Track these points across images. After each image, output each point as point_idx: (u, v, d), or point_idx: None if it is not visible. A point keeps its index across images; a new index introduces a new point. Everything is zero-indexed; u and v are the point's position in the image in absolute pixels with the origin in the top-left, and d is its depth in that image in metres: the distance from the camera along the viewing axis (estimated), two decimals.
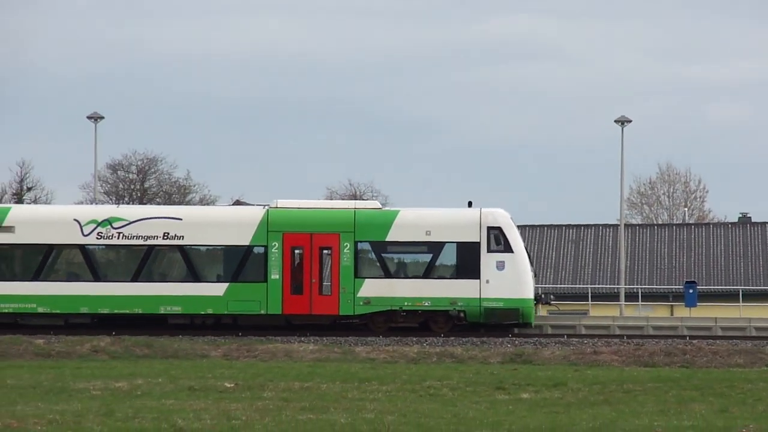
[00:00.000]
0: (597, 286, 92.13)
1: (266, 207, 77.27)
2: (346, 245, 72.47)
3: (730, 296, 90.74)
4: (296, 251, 72.59)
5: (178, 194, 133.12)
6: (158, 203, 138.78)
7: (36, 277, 72.28)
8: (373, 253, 73.13)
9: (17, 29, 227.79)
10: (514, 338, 67.25)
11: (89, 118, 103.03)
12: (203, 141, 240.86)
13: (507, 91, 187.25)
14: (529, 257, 76.99)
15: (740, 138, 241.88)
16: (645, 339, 65.45)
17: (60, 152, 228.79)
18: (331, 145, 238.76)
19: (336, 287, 71.97)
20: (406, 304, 71.33)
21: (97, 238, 73.16)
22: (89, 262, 73.05)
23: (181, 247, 73.75)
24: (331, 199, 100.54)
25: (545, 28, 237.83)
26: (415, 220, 75.62)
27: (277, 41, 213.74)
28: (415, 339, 68.09)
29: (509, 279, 71.77)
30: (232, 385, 42.92)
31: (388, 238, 73.23)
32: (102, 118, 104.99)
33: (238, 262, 72.96)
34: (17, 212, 77.63)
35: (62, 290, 72.09)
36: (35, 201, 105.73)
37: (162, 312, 71.41)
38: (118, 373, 47.54)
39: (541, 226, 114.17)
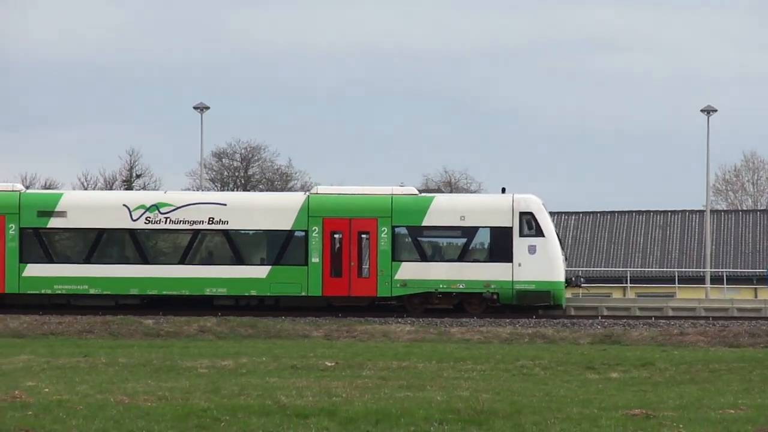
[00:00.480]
0: (683, 269, 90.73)
1: (307, 193, 77.90)
2: (384, 230, 72.72)
3: None
4: (335, 236, 72.63)
5: (280, 181, 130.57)
6: (261, 190, 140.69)
7: (88, 259, 72.46)
8: (409, 238, 73.24)
9: (125, 20, 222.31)
10: (603, 320, 67.33)
11: (195, 108, 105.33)
12: (305, 129, 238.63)
13: (596, 80, 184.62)
14: (560, 241, 77.12)
15: None
16: (730, 320, 65.36)
17: (167, 141, 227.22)
18: (427, 133, 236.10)
19: (374, 270, 72.16)
20: (441, 286, 71.73)
21: (146, 223, 73.58)
22: (138, 245, 73.36)
23: (225, 232, 73.93)
24: (427, 187, 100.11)
25: (635, 19, 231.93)
26: (449, 206, 76.37)
27: (376, 31, 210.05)
28: (507, 320, 68.32)
29: (541, 262, 71.95)
30: (333, 363, 43.47)
31: (424, 223, 73.42)
32: (207, 108, 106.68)
33: (280, 246, 73.25)
34: (69, 198, 77.82)
35: (113, 272, 72.19)
36: (143, 188, 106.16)
37: (207, 293, 71.68)
38: (224, 352, 48.39)
39: (630, 212, 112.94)
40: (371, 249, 72.65)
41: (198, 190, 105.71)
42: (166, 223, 74.17)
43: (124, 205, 75.93)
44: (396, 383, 37.62)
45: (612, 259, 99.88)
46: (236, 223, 74.86)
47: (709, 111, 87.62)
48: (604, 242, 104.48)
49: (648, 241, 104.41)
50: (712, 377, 40.37)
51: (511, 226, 72.77)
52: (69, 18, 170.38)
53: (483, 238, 73.31)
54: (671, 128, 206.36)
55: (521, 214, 73.40)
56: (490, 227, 73.24)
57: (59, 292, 70.80)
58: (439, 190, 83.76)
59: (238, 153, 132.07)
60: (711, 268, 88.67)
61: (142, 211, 74.61)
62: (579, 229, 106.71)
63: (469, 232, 73.88)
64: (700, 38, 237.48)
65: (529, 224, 72.28)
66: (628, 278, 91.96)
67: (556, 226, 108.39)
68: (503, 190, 75.89)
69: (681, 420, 29.21)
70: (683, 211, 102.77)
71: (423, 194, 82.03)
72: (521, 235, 72.82)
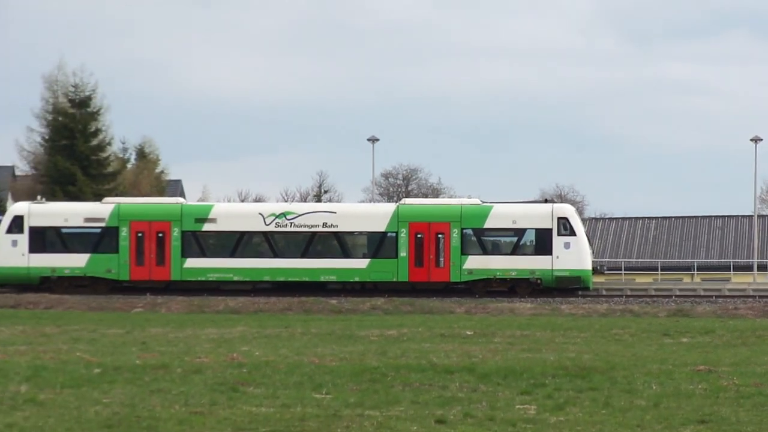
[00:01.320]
0: (737, 260, 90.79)
1: (397, 204, 78.97)
2: (455, 231, 73.27)
3: None
4: (418, 235, 72.79)
5: (432, 195, 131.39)
6: None
7: (232, 254, 73.60)
8: (474, 237, 73.66)
9: (317, 71, 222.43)
10: (676, 298, 67.91)
11: (368, 139, 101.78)
12: (451, 155, 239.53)
13: (677, 114, 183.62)
14: (588, 239, 77.84)
15: None
16: None
17: (348, 164, 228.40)
18: (544, 158, 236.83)
19: (447, 261, 72.60)
20: (498, 274, 72.39)
21: (276, 227, 73.96)
22: (270, 243, 74.26)
23: (335, 233, 74.46)
24: (544, 198, 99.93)
25: (702, 72, 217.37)
26: (504, 213, 76.72)
27: (510, 81, 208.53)
28: (604, 299, 69.58)
29: (573, 255, 72.49)
30: (471, 333, 44.15)
31: (485, 226, 74.10)
32: (378, 139, 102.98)
33: (377, 244, 73.89)
34: (218, 208, 79.16)
35: (251, 264, 73.30)
36: (329, 200, 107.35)
37: (322, 280, 72.65)
38: (389, 324, 49.06)
39: (697, 217, 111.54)
40: (445, 245, 72.41)
41: (368, 202, 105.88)
42: (290, 226, 74.13)
43: (260, 213, 76.84)
44: (519, 347, 38.26)
45: (683, 253, 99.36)
46: (344, 226, 75.33)
47: (756, 140, 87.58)
48: (677, 239, 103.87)
49: (710, 239, 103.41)
50: (758, 341, 40.78)
51: (551, 227, 72.98)
52: (271, 70, 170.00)
53: (530, 237, 73.44)
54: (730, 153, 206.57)
55: (558, 218, 73.56)
56: (535, 229, 73.47)
57: (211, 279, 72.14)
58: (553, 201, 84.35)
59: (400, 173, 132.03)
60: (757, 259, 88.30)
61: (273, 218, 75.01)
62: (659, 230, 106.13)
63: (519, 232, 74.25)
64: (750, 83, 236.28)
65: (565, 226, 72.37)
66: (695, 267, 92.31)
67: (635, 230, 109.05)
68: (545, 201, 77.44)
69: (735, 373, 29.46)
70: (737, 216, 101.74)
71: (484, 203, 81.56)
72: (558, 234, 73.02)
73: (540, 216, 74.91)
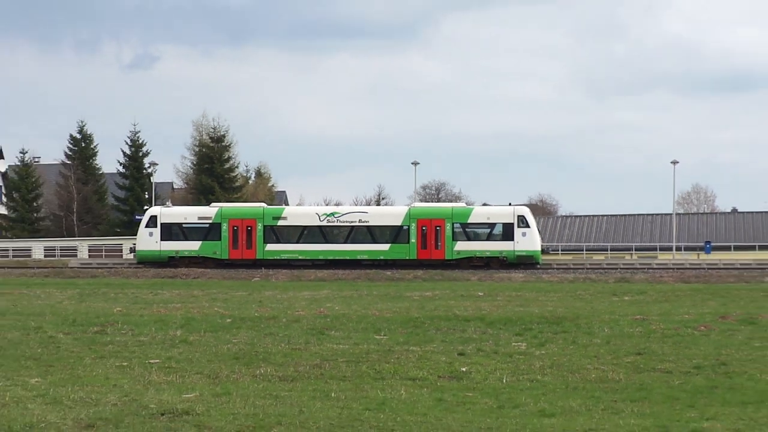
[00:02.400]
0: (663, 243, 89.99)
1: (408, 206, 78.00)
2: (448, 225, 72.15)
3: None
4: (423, 228, 71.57)
5: (454, 201, 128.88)
6: None
7: (298, 241, 72.72)
8: (461, 228, 72.26)
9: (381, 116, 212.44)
10: (621, 269, 67.08)
11: (412, 163, 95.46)
12: (468, 172, 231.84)
13: (622, 145, 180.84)
14: (539, 230, 77.12)
15: None
16: (687, 270, 64.47)
17: (398, 179, 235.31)
18: (530, 173, 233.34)
19: (443, 245, 71.52)
20: (477, 254, 71.55)
21: (327, 222, 73.15)
22: (323, 233, 73.08)
23: (367, 226, 73.47)
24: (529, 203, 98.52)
25: (639, 116, 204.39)
26: (481, 212, 76.47)
27: (507, 123, 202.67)
28: (571, 270, 68.50)
29: (528, 241, 71.27)
30: (482, 294, 43.69)
31: (468, 221, 72.89)
32: (418, 163, 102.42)
33: (395, 234, 72.48)
34: (288, 210, 79.79)
35: (310, 248, 72.59)
36: (385, 205, 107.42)
37: (358, 258, 71.52)
38: (426, 288, 48.16)
39: (634, 215, 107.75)
40: (441, 234, 70.85)
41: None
42: (337, 222, 73.20)
43: (316, 213, 76.34)
44: (514, 303, 37.79)
45: (625, 239, 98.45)
46: (373, 222, 74.24)
47: (674, 162, 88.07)
48: (621, 229, 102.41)
49: (643, 229, 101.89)
50: (676, 299, 40.10)
51: (513, 222, 71.24)
52: (350, 115, 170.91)
53: (498, 229, 71.23)
54: (657, 171, 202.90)
55: (518, 216, 72.05)
56: (502, 223, 71.47)
57: (283, 258, 71.44)
58: (528, 205, 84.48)
59: (433, 186, 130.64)
60: (675, 243, 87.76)
61: (325, 216, 74.30)
62: (609, 223, 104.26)
63: (492, 225, 72.48)
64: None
65: (522, 221, 71.07)
66: (633, 248, 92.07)
67: (593, 223, 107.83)
68: (509, 204, 77.32)
69: (661, 321, 29.32)
70: (662, 214, 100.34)
71: (468, 206, 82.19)
72: (518, 227, 71.22)
73: (505, 214, 74.12)
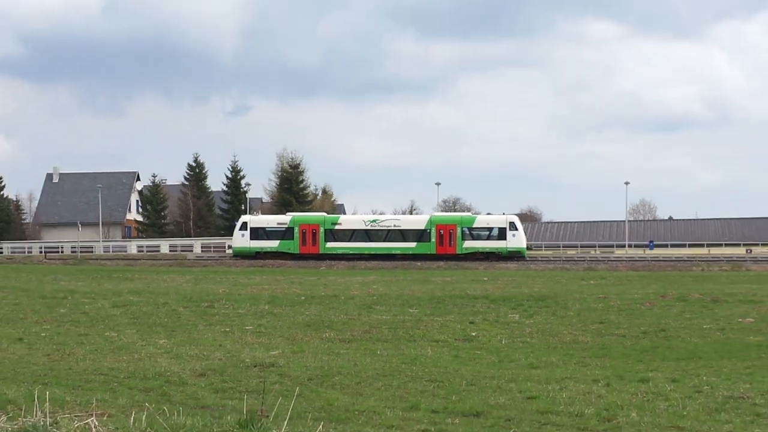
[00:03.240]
0: (619, 242, 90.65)
1: (430, 215, 76.21)
2: (458, 229, 70.09)
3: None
4: (441, 231, 68.69)
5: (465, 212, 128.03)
6: None
7: (349, 240, 71.03)
8: (468, 231, 69.76)
9: (413, 149, 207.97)
10: (588, 261, 66.13)
11: (435, 183, 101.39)
12: (477, 191, 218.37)
13: (590, 171, 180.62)
14: (526, 233, 75.44)
15: None
16: (636, 261, 64.16)
17: (424, 196, 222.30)
18: (522, 191, 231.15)
19: (454, 243, 69.41)
20: (479, 250, 69.66)
21: (371, 227, 71.39)
22: (367, 234, 71.24)
23: (400, 230, 71.44)
24: (515, 212, 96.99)
25: (601, 149, 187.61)
26: (483, 219, 74.71)
27: (502, 156, 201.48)
28: (551, 261, 67.90)
29: (516, 240, 69.49)
30: (486, 279, 42.49)
31: (473, 226, 70.88)
32: (440, 183, 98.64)
33: (420, 235, 70.32)
34: (342, 218, 77.98)
35: (358, 245, 70.91)
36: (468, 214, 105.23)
37: (393, 253, 69.45)
38: (446, 275, 46.72)
39: (598, 221, 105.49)
40: (453, 236, 69.60)
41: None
42: (378, 226, 71.03)
43: (363, 220, 75.29)
44: (510, 285, 37.00)
45: (591, 238, 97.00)
46: (404, 226, 72.36)
47: (626, 183, 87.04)
48: (588, 232, 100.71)
49: (605, 232, 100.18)
50: (629, 282, 39.38)
51: (505, 227, 69.80)
52: (388, 148, 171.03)
53: (495, 232, 69.34)
54: (614, 189, 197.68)
55: (509, 222, 70.47)
56: (498, 227, 70.00)
57: (339, 252, 69.79)
58: (518, 214, 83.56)
59: (450, 200, 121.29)
60: (627, 242, 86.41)
61: (369, 222, 72.66)
62: (579, 227, 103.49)
63: (490, 229, 70.21)
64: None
65: (512, 226, 69.66)
66: (597, 245, 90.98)
67: (568, 227, 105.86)
68: (503, 213, 76.68)
69: (617, 299, 28.77)
70: (618, 221, 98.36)
71: (473, 215, 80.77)
72: (509, 230, 69.53)
73: (500, 221, 72.54)
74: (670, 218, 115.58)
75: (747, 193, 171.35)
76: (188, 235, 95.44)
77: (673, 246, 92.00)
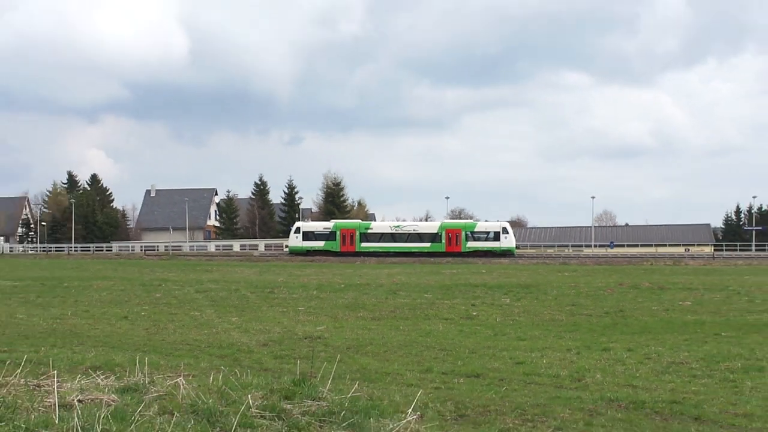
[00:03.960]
0: (588, 243, 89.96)
1: (440, 222, 74.98)
2: (462, 232, 69.31)
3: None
4: (449, 234, 68.26)
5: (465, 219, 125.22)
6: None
7: (378, 241, 70.46)
8: (470, 234, 69.27)
9: (428, 173, 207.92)
10: (563, 258, 65.46)
11: (445, 197, 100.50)
12: (477, 204, 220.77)
13: (566, 189, 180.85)
14: (515, 235, 74.17)
15: None
16: (600, 257, 63.29)
17: (437, 207, 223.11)
18: (510, 205, 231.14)
19: (460, 244, 68.60)
20: (479, 249, 68.79)
21: (395, 231, 70.88)
22: (393, 237, 70.46)
23: (417, 233, 70.90)
24: (506, 220, 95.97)
25: (574, 173, 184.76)
26: (482, 225, 73.21)
27: (498, 178, 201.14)
28: (534, 258, 67.26)
29: (508, 241, 68.98)
30: (485, 271, 42.13)
31: (475, 230, 70.10)
32: (449, 197, 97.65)
33: (433, 237, 69.71)
34: (373, 224, 75.39)
35: (386, 245, 69.98)
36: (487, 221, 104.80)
37: (412, 251, 68.56)
38: (453, 269, 45.79)
39: (571, 227, 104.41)
40: (459, 238, 68.72)
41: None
42: (400, 231, 70.49)
43: (389, 225, 74.32)
44: (503, 276, 36.60)
45: (565, 240, 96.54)
46: (421, 230, 72.00)
47: (593, 197, 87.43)
48: (563, 235, 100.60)
49: (574, 235, 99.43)
50: (594, 274, 38.84)
51: (499, 231, 68.99)
52: (409, 172, 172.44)
53: (491, 234, 68.63)
54: (583, 203, 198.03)
55: (502, 227, 69.59)
56: (494, 231, 69.17)
57: (370, 250, 68.94)
58: (509, 221, 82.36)
59: (457, 211, 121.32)
60: (593, 242, 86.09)
61: (394, 227, 72.10)
62: (557, 231, 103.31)
63: (487, 233, 69.23)
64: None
65: (504, 230, 68.82)
66: (570, 245, 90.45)
67: (548, 231, 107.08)
68: (497, 220, 76.01)
69: (586, 287, 28.66)
70: (587, 226, 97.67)
71: (474, 221, 79.68)
72: (502, 233, 68.94)
73: (495, 226, 71.54)
74: (626, 224, 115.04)
75: (686, 204, 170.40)
76: (254, 237, 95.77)
77: (628, 246, 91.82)
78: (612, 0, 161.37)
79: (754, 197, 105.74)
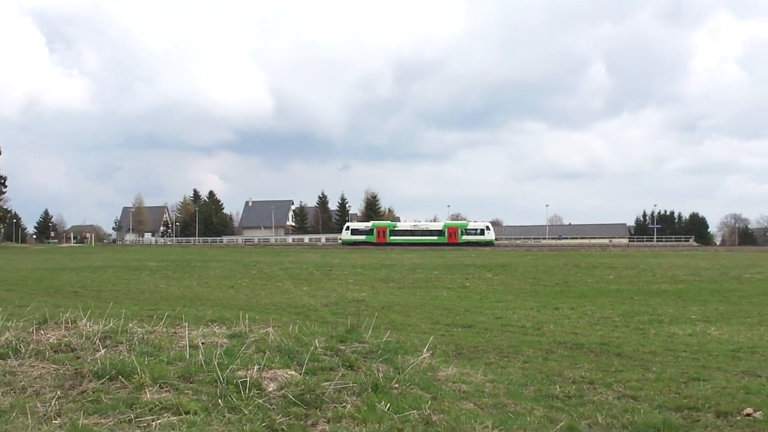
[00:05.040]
0: (543, 236, 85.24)
1: (444, 222, 72.67)
2: (459, 229, 67.17)
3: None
4: (450, 230, 66.73)
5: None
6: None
7: (401, 236, 67.66)
8: (464, 230, 66.75)
9: (435, 191, 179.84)
10: (528, 247, 61.41)
11: (447, 205, 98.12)
12: (472, 212, 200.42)
13: (534, 201, 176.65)
14: (494, 231, 71.01)
15: None
16: (553, 247, 60.93)
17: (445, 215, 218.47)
18: (487, 212, 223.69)
19: (457, 237, 66.26)
20: (471, 240, 65.64)
21: (413, 228, 68.37)
22: (412, 232, 67.76)
23: (428, 230, 68.36)
24: (489, 220, 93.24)
25: (545, 192, 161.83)
26: (473, 224, 69.59)
27: (495, 194, 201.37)
28: (511, 247, 63.58)
29: (489, 235, 66.64)
30: (474, 256, 40.26)
31: (468, 228, 67.61)
32: (449, 205, 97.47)
33: (439, 233, 67.33)
34: (398, 224, 72.41)
35: (407, 238, 67.06)
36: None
37: (425, 242, 64.57)
38: (453, 253, 44.90)
39: (537, 226, 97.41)
40: (456, 233, 66.48)
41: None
42: (417, 228, 68.54)
43: (409, 224, 71.45)
44: (487, 259, 35.17)
45: (530, 235, 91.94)
46: (431, 228, 69.30)
47: (547, 204, 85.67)
48: (527, 231, 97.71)
49: (536, 231, 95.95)
50: (549, 257, 37.49)
51: (484, 228, 67.24)
52: (425, 190, 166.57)
53: (479, 231, 66.73)
54: (540, 210, 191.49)
55: (486, 225, 67.91)
56: (480, 228, 67.43)
57: (397, 242, 66.25)
58: (491, 221, 76.64)
59: (457, 215, 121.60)
60: (547, 236, 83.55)
61: (413, 225, 70.26)
62: (521, 230, 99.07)
63: (476, 229, 67.59)
64: None
65: (487, 227, 67.39)
66: (532, 238, 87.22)
67: (522, 229, 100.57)
68: (483, 221, 72.14)
69: (542, 266, 27.84)
70: (542, 225, 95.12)
71: (467, 221, 74.89)
72: (486, 230, 67.25)
73: (481, 225, 68.92)
74: (570, 224, 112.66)
75: (609, 210, 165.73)
76: (318, 233, 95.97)
77: (571, 238, 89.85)
78: (558, 72, 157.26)
79: (655, 205, 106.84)
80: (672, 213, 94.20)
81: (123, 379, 4.41)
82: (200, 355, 4.99)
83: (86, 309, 6.62)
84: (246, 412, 4.03)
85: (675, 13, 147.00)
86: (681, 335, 9.62)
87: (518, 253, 48.51)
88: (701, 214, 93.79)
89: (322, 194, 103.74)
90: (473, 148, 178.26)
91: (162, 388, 4.36)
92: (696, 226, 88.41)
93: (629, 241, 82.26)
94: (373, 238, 69.57)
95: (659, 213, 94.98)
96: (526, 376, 6.31)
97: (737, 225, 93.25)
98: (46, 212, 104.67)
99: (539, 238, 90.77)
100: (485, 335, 9.68)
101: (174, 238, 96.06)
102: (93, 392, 4.27)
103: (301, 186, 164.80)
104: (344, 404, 4.29)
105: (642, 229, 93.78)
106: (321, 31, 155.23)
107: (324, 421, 4.05)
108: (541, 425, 4.31)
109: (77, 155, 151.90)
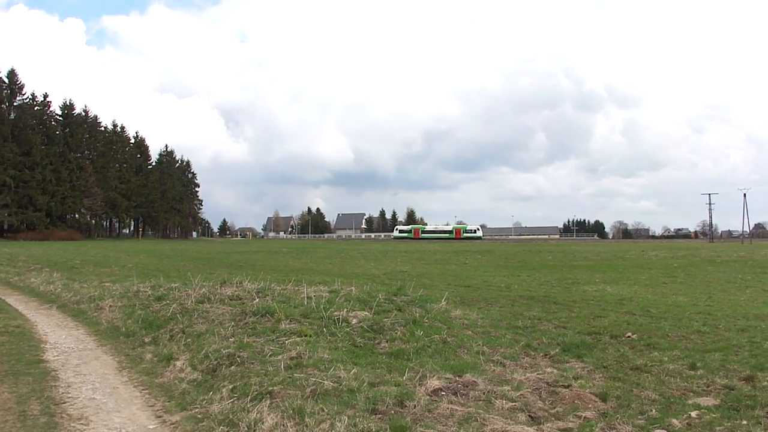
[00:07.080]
0: (512, 234, 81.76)
1: (452, 226, 68.58)
2: (462, 230, 64.40)
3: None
4: (457, 231, 63.88)
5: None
6: None
7: (430, 233, 64.10)
8: (464, 231, 63.92)
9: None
10: (505, 240, 57.60)
11: (454, 215, 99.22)
12: (470, 219, 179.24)
13: (517, 204, 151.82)
14: (482, 231, 67.61)
15: None
16: (515, 240, 57.28)
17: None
18: (474, 220, 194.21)
19: (459, 235, 62.72)
20: (468, 237, 61.99)
21: (435, 229, 64.16)
22: (434, 232, 63.30)
23: (445, 230, 65.22)
24: (478, 224, 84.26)
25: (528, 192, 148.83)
26: (470, 227, 66.23)
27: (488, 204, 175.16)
28: (491, 239, 60.33)
29: (479, 234, 63.72)
30: (471, 245, 34.61)
31: (466, 228, 64.83)
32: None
33: (450, 232, 63.69)
34: (426, 227, 69.30)
35: (432, 235, 62.92)
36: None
37: (442, 238, 60.26)
38: (457, 245, 43.16)
39: (519, 227, 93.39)
40: (460, 232, 63.72)
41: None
42: (438, 229, 65.96)
43: (433, 227, 67.75)
44: (478, 248, 32.56)
45: (506, 235, 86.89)
46: (446, 229, 66.59)
47: (512, 216, 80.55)
48: (502, 232, 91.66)
49: (507, 232, 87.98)
50: (515, 246, 34.60)
51: (476, 229, 63.96)
52: (437, 207, 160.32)
53: (473, 230, 63.91)
54: (506, 219, 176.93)
55: (477, 227, 65.36)
56: (474, 229, 64.31)
57: (425, 238, 62.14)
58: (481, 225, 72.93)
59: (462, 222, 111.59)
60: (513, 234, 75.95)
61: (433, 227, 68.13)
62: (500, 232, 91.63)
63: (472, 230, 64.60)
64: None
65: (478, 229, 64.35)
66: (504, 235, 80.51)
67: (510, 231, 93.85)
68: (475, 225, 68.80)
69: (512, 251, 25.62)
70: (512, 227, 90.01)
71: (466, 225, 70.22)
72: (477, 231, 64.08)
73: (474, 227, 66.17)
74: (525, 226, 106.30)
75: (550, 218, 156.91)
76: (380, 232, 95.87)
77: (526, 235, 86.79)
78: (518, 137, 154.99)
79: (574, 216, 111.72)
80: (584, 220, 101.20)
81: (269, 316, 5.01)
82: (312, 303, 5.52)
83: (247, 276, 7.56)
84: (339, 335, 4.65)
85: (584, 104, 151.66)
86: (590, 291, 9.75)
87: (496, 244, 47.00)
88: (601, 220, 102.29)
89: (382, 210, 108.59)
90: (469, 182, 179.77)
91: (291, 321, 4.92)
92: (597, 228, 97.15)
93: (560, 236, 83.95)
94: (411, 236, 68.70)
95: (577, 220, 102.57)
96: (502, 315, 6.70)
97: (621, 227, 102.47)
98: (224, 220, 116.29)
99: (508, 235, 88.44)
100: (477, 291, 9.78)
101: (296, 235, 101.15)
102: (252, 323, 4.87)
103: (370, 204, 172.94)
104: (396, 331, 4.85)
105: (567, 229, 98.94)
106: (380, 112, 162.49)
107: (385, 341, 4.62)
108: (511, 343, 4.95)
109: (241, 187, 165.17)
